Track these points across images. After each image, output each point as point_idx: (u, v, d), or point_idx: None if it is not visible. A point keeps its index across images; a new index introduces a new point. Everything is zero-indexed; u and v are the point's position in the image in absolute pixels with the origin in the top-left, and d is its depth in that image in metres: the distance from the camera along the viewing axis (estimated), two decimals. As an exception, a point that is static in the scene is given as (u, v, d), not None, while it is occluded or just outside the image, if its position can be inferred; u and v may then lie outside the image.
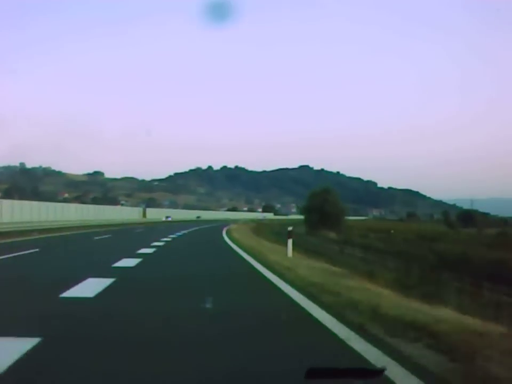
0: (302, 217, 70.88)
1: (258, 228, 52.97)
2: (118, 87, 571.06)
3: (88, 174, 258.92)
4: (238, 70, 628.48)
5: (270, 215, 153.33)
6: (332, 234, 55.15)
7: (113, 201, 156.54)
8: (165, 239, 28.16)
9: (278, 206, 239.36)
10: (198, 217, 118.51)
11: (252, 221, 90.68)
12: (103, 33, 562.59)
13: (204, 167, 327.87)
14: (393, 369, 4.13)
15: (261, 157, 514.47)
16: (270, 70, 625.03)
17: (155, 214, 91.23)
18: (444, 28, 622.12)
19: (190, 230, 45.33)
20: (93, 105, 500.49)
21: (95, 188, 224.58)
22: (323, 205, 62.01)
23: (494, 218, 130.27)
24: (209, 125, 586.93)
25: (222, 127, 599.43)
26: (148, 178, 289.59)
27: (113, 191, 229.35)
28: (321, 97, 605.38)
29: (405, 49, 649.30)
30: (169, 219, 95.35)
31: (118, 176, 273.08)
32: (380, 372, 2.80)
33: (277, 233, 39.11)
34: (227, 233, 37.97)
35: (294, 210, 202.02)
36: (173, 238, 30.01)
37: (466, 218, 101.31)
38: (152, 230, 45.75)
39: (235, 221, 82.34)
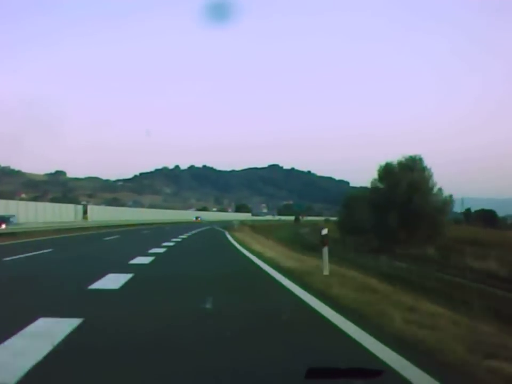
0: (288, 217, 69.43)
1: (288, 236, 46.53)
2: (84, 84, 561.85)
3: (50, 174, 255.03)
4: (204, 69, 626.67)
5: (243, 216, 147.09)
6: (424, 251, 33.48)
7: (73, 202, 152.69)
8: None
9: (249, 206, 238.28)
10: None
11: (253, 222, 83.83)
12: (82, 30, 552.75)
13: (171, 166, 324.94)
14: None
15: (229, 156, 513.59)
16: (238, 69, 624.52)
17: (105, 214, 64.84)
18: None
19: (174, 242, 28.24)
20: (57, 102, 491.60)
21: (56, 188, 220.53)
22: (409, 195, 36.66)
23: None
24: (177, 124, 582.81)
25: (190, 126, 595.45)
26: (113, 178, 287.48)
27: (75, 191, 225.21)
28: (290, 97, 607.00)
29: (376, 47, 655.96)
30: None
31: (82, 176, 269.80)
32: (379, 372, 2.84)
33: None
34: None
35: (265, 210, 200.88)
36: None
37: (487, 218, 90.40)
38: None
39: (228, 224, 63.44)
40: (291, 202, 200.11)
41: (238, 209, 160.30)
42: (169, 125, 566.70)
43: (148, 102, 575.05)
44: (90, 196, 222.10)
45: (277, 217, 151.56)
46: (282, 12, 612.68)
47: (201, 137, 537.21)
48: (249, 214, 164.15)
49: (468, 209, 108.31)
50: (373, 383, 2.73)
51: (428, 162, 38.27)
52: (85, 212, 59.97)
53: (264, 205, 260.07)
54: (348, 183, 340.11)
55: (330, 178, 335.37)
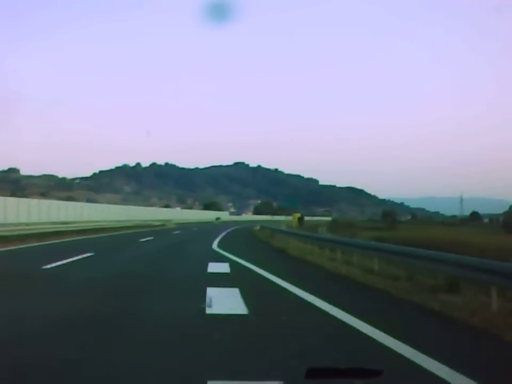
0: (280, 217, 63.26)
1: None
2: (42, 81, 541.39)
3: (1, 171, 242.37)
4: (170, 68, 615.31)
5: (220, 216, 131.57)
6: None
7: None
8: None
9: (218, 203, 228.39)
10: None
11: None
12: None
13: (132, 164, 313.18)
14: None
15: (193, 154, 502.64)
16: (200, 68, 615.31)
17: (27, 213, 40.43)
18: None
19: None
20: (13, 96, 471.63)
21: (6, 186, 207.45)
22: None
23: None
24: (139, 122, 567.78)
25: (153, 124, 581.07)
26: (71, 176, 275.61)
27: (27, 189, 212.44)
28: (256, 96, 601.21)
29: (351, 43, 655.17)
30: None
31: (36, 174, 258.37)
32: (379, 372, 2.75)
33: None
34: None
35: (232, 210, 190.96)
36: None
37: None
38: None
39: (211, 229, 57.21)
40: (278, 201, 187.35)
41: (207, 207, 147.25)
42: (132, 122, 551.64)
43: (110, 100, 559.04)
44: (43, 194, 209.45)
45: (276, 217, 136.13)
46: (254, 13, 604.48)
47: (164, 135, 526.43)
48: (226, 213, 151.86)
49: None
50: (373, 383, 2.69)
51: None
52: None
53: (230, 204, 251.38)
54: (317, 181, 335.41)
55: (298, 176, 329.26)
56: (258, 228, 53.84)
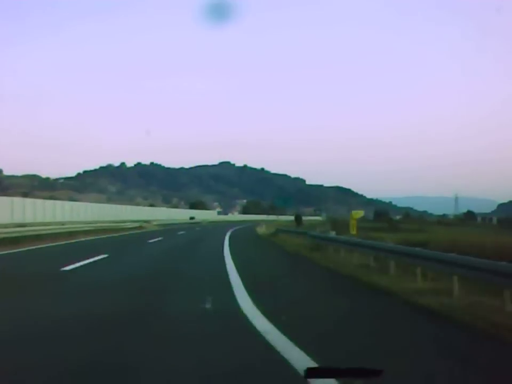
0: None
1: None
2: (24, 79, 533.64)
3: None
4: (151, 67, 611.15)
5: (208, 216, 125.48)
6: None
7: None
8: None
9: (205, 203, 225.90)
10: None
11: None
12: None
13: (116, 164, 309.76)
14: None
15: (178, 154, 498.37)
16: (185, 66, 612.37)
17: None
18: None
19: None
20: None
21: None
22: None
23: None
24: (124, 122, 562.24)
25: (138, 124, 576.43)
26: (55, 176, 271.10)
27: (10, 189, 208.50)
28: (241, 94, 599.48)
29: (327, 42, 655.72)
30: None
31: (19, 174, 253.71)
32: (379, 372, 2.70)
33: None
34: None
35: (218, 209, 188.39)
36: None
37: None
38: None
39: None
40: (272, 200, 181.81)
41: (193, 206, 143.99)
42: (117, 122, 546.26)
43: (95, 99, 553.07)
44: (25, 194, 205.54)
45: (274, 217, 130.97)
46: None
47: (150, 135, 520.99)
48: (214, 212, 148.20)
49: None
50: (373, 383, 2.61)
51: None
52: None
53: (216, 203, 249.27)
54: (304, 180, 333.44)
55: (285, 176, 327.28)
56: (262, 229, 46.36)
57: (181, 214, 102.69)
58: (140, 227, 54.19)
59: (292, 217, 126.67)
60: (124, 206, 74.80)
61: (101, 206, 64.70)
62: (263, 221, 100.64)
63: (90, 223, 44.76)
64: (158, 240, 33.06)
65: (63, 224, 39.62)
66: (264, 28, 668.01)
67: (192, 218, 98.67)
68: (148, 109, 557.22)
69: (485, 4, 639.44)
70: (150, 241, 32.07)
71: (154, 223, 64.56)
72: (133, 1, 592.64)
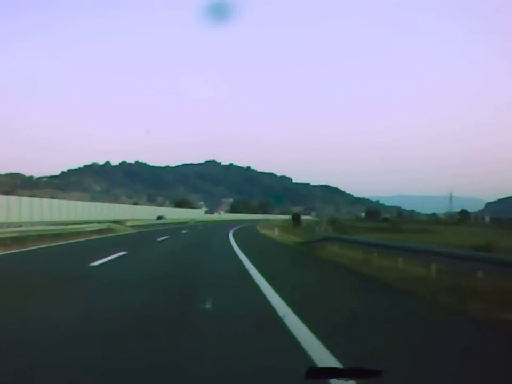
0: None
1: None
2: (8, 76, 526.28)
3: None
4: (137, 66, 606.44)
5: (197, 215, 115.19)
6: None
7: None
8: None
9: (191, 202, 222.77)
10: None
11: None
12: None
13: (101, 162, 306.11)
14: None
15: (163, 152, 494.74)
16: (169, 65, 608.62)
17: None
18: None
19: None
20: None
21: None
22: None
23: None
24: (108, 120, 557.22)
25: (123, 123, 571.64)
26: (38, 175, 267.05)
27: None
28: (227, 93, 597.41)
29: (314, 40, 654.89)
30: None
31: (2, 172, 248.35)
32: (379, 372, 2.70)
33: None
34: None
35: (204, 208, 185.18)
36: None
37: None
38: None
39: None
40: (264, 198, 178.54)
41: (179, 205, 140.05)
42: (102, 121, 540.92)
43: (80, 97, 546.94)
44: (7, 193, 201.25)
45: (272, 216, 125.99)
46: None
47: (134, 134, 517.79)
48: (202, 211, 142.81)
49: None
50: (373, 383, 2.66)
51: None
52: None
53: (202, 202, 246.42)
54: (290, 179, 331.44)
55: (271, 175, 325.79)
56: (275, 233, 39.41)
57: (144, 212, 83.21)
58: (110, 229, 43.42)
59: (282, 217, 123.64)
60: (89, 203, 65.63)
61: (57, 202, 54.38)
62: (259, 220, 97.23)
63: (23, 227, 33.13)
64: (119, 256, 18.84)
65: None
66: (252, 30, 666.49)
67: (159, 218, 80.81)
68: (134, 108, 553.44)
69: (486, 3, 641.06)
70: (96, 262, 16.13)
71: (129, 223, 55.84)
72: (131, 0, 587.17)
